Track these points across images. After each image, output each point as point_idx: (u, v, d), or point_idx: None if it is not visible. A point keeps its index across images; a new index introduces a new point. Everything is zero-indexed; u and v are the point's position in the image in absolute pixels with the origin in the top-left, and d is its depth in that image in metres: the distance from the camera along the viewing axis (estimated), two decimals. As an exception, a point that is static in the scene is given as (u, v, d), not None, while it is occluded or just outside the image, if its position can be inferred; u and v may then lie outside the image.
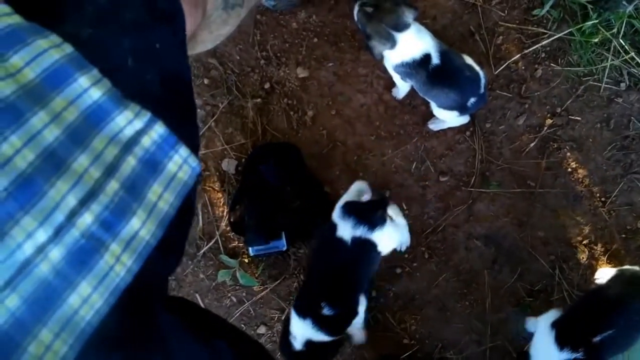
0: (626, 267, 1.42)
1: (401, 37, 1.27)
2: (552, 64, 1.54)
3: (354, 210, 1.29)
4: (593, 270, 1.57)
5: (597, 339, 1.26)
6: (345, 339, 1.52)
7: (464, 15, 1.54)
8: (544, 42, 1.52)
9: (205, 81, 1.60)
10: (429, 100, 1.45)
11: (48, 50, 0.47)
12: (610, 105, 1.54)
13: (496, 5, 1.54)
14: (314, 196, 1.57)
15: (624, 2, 1.41)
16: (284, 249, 1.55)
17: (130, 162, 0.50)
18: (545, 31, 1.52)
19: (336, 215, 1.32)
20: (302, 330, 1.35)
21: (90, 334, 0.44)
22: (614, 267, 1.50)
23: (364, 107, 1.57)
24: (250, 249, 1.56)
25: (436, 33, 1.41)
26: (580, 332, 1.29)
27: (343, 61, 1.57)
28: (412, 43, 1.29)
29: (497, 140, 1.56)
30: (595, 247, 1.57)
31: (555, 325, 1.33)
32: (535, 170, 1.56)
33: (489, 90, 1.50)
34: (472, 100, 1.36)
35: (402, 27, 1.26)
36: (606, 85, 1.53)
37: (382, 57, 1.34)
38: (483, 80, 1.37)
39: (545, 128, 1.55)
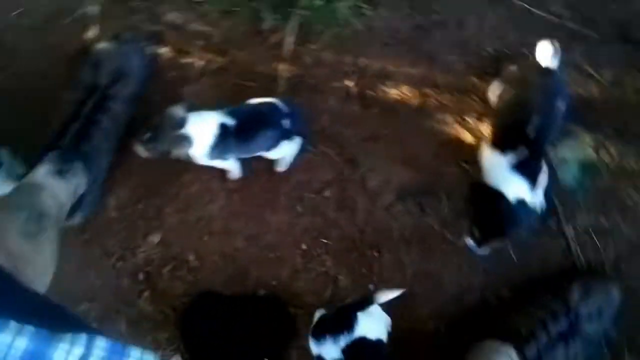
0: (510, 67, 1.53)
1: (190, 130, 1.28)
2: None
3: (324, 329, 1.23)
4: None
5: (530, 130, 1.34)
6: None
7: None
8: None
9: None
10: (259, 154, 1.45)
11: None
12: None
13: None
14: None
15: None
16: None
17: None
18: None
19: (313, 345, 1.24)
20: None
21: None
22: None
23: (224, 209, 1.54)
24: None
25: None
26: (514, 132, 1.36)
27: (176, 198, 1.55)
28: (203, 126, 1.31)
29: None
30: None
31: (491, 141, 1.41)
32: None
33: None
34: (286, 121, 1.40)
35: (182, 122, 1.28)
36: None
37: (191, 157, 1.34)
38: (280, 105, 1.41)
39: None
